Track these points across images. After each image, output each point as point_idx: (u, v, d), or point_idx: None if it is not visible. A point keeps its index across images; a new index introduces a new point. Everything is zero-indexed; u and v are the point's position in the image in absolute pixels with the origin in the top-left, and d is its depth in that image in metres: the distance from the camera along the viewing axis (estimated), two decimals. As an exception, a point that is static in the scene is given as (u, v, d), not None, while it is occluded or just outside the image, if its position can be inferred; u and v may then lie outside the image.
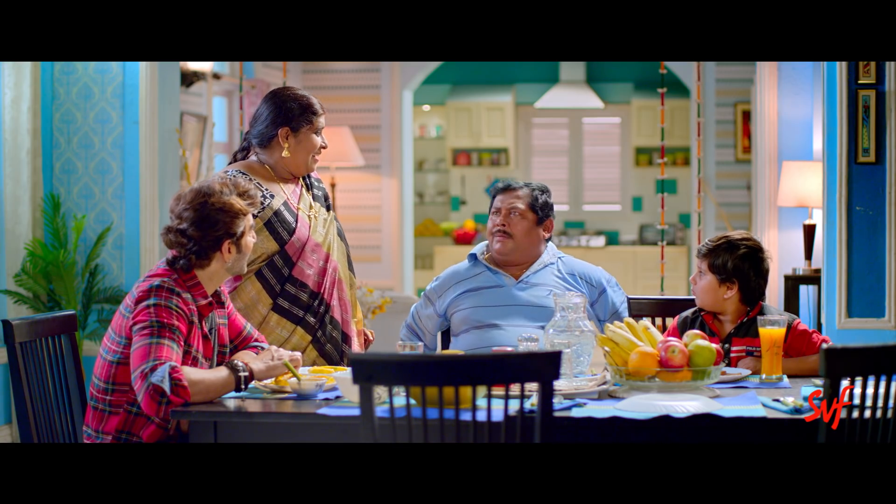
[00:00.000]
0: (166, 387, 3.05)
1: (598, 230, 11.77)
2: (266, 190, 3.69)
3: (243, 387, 3.18)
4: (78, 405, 3.53)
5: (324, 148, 3.78)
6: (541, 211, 3.97)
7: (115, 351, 3.24)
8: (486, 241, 4.05)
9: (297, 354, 3.37)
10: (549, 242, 4.05)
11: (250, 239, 3.36)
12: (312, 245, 3.74)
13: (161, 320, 3.15)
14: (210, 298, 3.32)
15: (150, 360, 3.09)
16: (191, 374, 3.11)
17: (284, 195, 3.74)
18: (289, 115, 3.72)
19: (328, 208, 3.89)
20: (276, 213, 3.68)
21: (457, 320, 3.95)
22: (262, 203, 3.66)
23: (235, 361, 3.20)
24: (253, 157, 3.80)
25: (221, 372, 3.17)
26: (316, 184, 3.90)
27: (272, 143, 3.74)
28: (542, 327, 3.82)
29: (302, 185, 3.84)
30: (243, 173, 3.70)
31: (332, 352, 3.77)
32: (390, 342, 4.29)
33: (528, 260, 3.97)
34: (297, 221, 3.72)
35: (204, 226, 3.25)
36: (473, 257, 4.02)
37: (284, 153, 3.72)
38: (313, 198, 3.85)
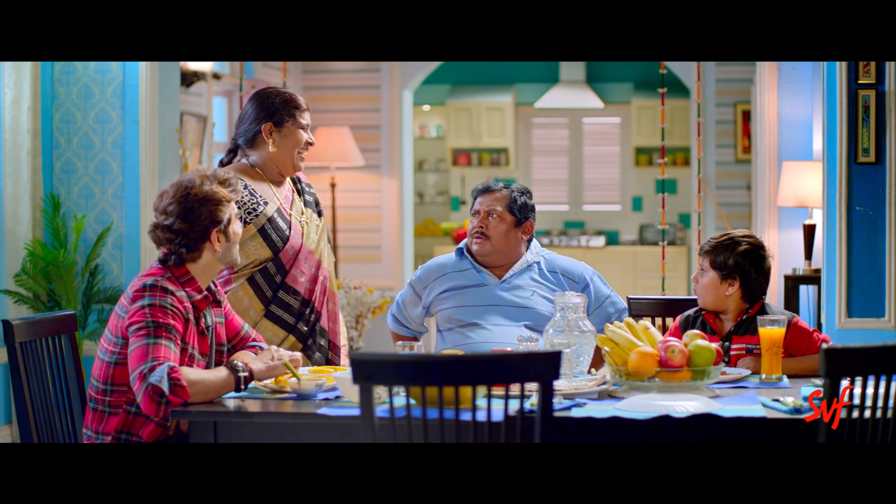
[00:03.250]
0: (165, 387, 3.05)
1: (598, 230, 11.77)
2: (260, 197, 3.69)
3: (243, 387, 3.18)
4: (78, 405, 3.53)
5: (310, 144, 3.76)
6: (519, 213, 3.98)
7: (112, 352, 3.24)
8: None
9: (297, 355, 3.37)
10: (534, 241, 4.06)
11: (237, 227, 3.37)
12: (306, 252, 3.75)
13: (157, 320, 3.15)
14: (205, 293, 3.32)
15: (148, 360, 3.09)
16: (190, 374, 3.11)
17: (277, 201, 3.74)
18: (271, 110, 3.72)
19: (319, 214, 3.89)
20: (270, 220, 3.69)
21: (441, 318, 3.97)
22: (255, 210, 3.67)
23: (235, 362, 3.20)
24: (243, 160, 3.79)
25: (221, 372, 3.17)
26: (307, 189, 3.89)
27: (257, 140, 3.75)
28: (525, 327, 3.83)
29: (293, 190, 3.84)
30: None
31: (320, 360, 3.78)
32: (390, 342, 4.29)
33: (509, 261, 3.98)
34: (290, 229, 3.73)
35: (189, 218, 3.26)
36: (461, 252, 4.04)
37: (271, 148, 3.72)
38: (304, 203, 3.84)
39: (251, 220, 3.67)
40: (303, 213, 3.81)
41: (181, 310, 3.22)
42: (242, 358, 3.31)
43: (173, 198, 3.27)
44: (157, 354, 3.10)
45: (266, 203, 3.70)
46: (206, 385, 3.12)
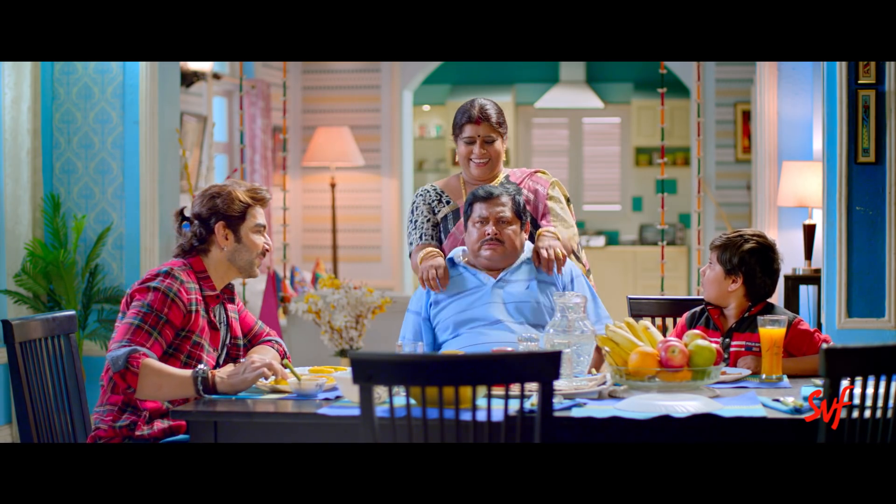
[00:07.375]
0: (115, 367, 3.15)
1: (598, 230, 11.77)
2: (445, 196, 4.21)
3: (202, 391, 3.18)
4: (77, 405, 3.54)
5: (481, 157, 4.11)
6: (522, 215, 3.97)
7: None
8: (462, 248, 4.03)
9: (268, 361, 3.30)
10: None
11: (255, 236, 3.39)
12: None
13: (153, 305, 3.25)
14: (217, 292, 3.41)
15: (122, 340, 3.21)
16: (154, 364, 3.18)
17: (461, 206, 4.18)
18: (452, 127, 4.22)
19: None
20: (444, 218, 4.18)
21: (440, 329, 3.93)
22: (438, 210, 4.18)
23: (199, 367, 3.23)
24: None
25: (184, 372, 3.22)
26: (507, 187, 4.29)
27: None
28: (523, 323, 3.81)
29: None
30: (433, 186, 4.25)
31: None
32: (390, 342, 4.29)
33: (511, 262, 3.97)
34: (454, 225, 4.17)
35: (203, 209, 3.39)
36: (451, 261, 4.01)
37: (457, 159, 4.25)
38: None
39: (435, 214, 4.19)
40: None
41: (184, 301, 3.28)
42: (252, 356, 3.33)
43: (199, 195, 3.46)
44: (132, 337, 3.20)
45: (448, 203, 4.20)
46: (161, 379, 3.18)
